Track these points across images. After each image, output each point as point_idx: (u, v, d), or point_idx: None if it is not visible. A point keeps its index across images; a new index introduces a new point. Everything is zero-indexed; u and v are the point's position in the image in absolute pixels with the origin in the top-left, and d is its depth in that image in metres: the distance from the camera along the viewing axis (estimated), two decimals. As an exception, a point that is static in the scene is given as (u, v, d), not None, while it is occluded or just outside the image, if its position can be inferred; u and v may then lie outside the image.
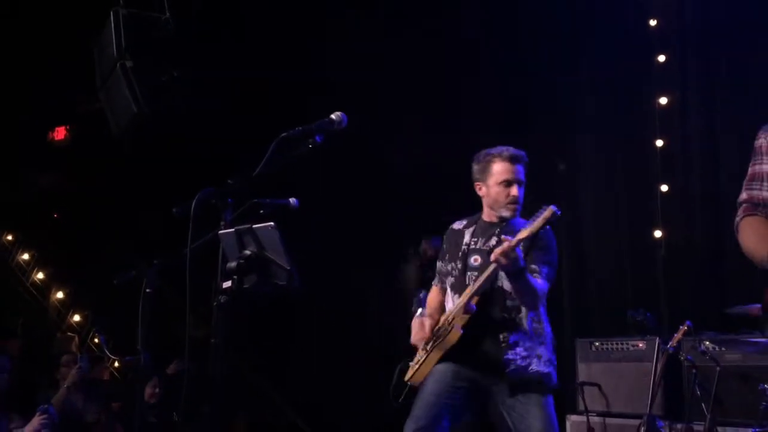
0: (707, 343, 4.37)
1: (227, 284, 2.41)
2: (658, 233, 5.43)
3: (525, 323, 3.20)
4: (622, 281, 5.60)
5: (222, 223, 2.51)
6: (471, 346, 3.15)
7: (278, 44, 6.68)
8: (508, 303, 3.20)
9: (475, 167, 3.41)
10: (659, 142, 5.50)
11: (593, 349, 4.93)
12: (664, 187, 5.45)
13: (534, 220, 2.96)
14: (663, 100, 5.51)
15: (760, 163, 2.39)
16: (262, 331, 6.70)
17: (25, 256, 8.47)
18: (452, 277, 3.33)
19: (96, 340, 6.96)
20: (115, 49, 4.80)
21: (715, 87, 5.41)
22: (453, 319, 3.18)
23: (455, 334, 3.12)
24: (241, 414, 6.66)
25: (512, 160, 3.33)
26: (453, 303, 3.28)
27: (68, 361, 5.62)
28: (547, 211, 2.93)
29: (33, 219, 8.43)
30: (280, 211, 2.87)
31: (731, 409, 4.23)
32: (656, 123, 5.52)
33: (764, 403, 3.90)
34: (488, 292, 3.19)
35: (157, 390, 5.63)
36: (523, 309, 3.22)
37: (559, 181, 5.98)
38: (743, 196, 2.39)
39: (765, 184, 2.36)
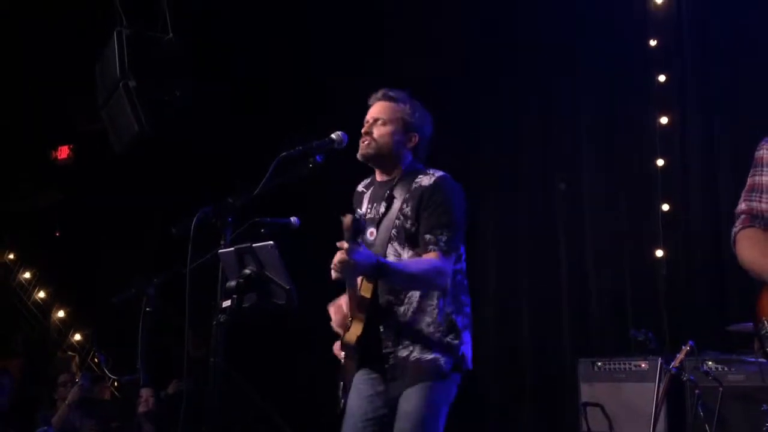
0: (710, 363, 4.35)
1: (227, 303, 2.41)
2: (659, 252, 5.42)
3: (417, 305, 2.70)
4: (624, 301, 5.58)
5: (222, 242, 2.51)
6: (367, 345, 2.71)
7: (282, 59, 6.73)
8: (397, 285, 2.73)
9: None
10: (660, 162, 5.50)
11: (595, 369, 4.90)
12: (665, 207, 5.45)
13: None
14: (664, 120, 5.52)
15: (760, 174, 2.38)
16: (263, 349, 6.67)
17: (27, 275, 8.47)
18: None
19: (96, 360, 6.94)
20: (117, 69, 4.84)
21: (715, 106, 5.42)
22: (351, 320, 2.73)
23: (351, 337, 2.69)
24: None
25: (369, 102, 2.89)
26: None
27: (66, 380, 5.61)
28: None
29: (35, 238, 8.44)
30: (282, 230, 2.87)
31: (734, 430, 4.20)
32: (657, 142, 5.52)
33: (767, 424, 3.87)
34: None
35: (149, 402, 5.59)
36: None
37: (559, 200, 5.98)
38: (741, 206, 2.38)
39: (765, 195, 2.35)
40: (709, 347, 4.52)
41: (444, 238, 2.63)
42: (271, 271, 2.43)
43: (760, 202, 2.35)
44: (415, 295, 2.70)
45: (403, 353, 2.69)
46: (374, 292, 2.67)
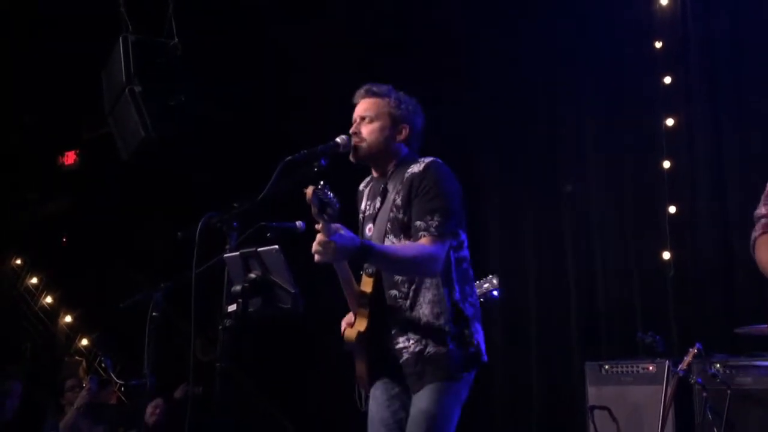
0: (718, 365, 4.33)
1: (232, 308, 2.41)
2: (666, 255, 5.40)
3: (422, 297, 2.63)
4: (631, 303, 5.56)
5: (227, 246, 2.51)
6: (376, 341, 2.64)
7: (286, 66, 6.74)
8: (396, 277, 2.66)
9: None
10: (666, 164, 5.49)
11: (603, 372, 4.88)
12: (672, 209, 5.43)
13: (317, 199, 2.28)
14: (670, 122, 5.51)
15: None
16: (271, 354, 6.68)
17: (34, 281, 8.49)
18: None
19: (102, 365, 6.95)
20: (123, 75, 4.85)
21: (721, 107, 5.41)
22: (354, 318, 2.68)
23: (351, 333, 2.63)
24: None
25: (354, 101, 2.82)
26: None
27: (73, 385, 5.61)
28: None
29: (42, 243, 8.46)
30: (287, 234, 2.87)
31: (743, 433, 4.18)
32: (663, 144, 5.51)
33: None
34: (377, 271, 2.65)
35: (158, 410, 5.59)
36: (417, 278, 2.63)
37: (566, 202, 5.97)
38: (762, 210, 2.35)
39: None
40: (717, 350, 4.51)
41: (435, 223, 2.53)
42: (276, 275, 2.43)
43: None
44: (420, 286, 2.61)
45: (416, 348, 2.59)
46: (375, 286, 2.61)
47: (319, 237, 2.33)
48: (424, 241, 2.53)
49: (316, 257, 2.36)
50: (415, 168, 2.66)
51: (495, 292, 3.96)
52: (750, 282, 4.87)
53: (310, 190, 2.27)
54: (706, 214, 5.36)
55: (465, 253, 2.71)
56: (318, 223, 2.32)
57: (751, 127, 5.26)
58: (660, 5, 5.60)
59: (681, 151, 5.48)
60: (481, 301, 4.14)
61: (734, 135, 5.33)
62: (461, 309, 2.64)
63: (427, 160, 2.69)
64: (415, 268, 2.55)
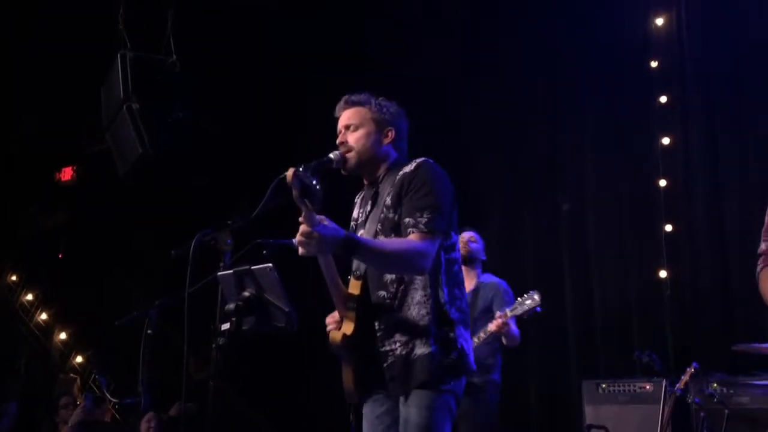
0: (715, 385, 4.31)
1: (226, 326, 2.39)
2: (663, 273, 5.40)
3: (410, 298, 2.55)
4: (629, 322, 5.55)
5: (221, 264, 2.50)
6: (361, 344, 2.54)
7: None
8: (386, 277, 2.57)
9: None
10: (662, 182, 5.50)
11: (600, 391, 4.86)
12: (669, 227, 5.44)
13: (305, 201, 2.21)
14: (666, 140, 5.53)
15: None
16: (264, 370, 6.64)
17: (29, 297, 8.46)
18: None
19: (97, 383, 6.92)
20: (121, 91, 4.86)
21: (717, 125, 5.43)
22: (341, 320, 2.60)
23: (336, 336, 2.55)
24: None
25: (336, 114, 2.79)
26: None
27: (67, 403, 5.59)
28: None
29: (38, 258, 8.45)
30: (284, 250, 2.86)
31: (741, 453, 4.16)
32: (659, 163, 5.52)
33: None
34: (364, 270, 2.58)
35: (152, 424, 5.56)
36: (407, 277, 2.54)
37: (563, 221, 5.97)
38: (762, 247, 2.36)
39: None
40: (714, 369, 4.49)
41: (424, 220, 2.46)
42: (270, 293, 2.41)
43: None
44: (409, 287, 2.54)
45: (402, 351, 2.51)
46: (363, 289, 2.55)
47: (302, 228, 2.25)
48: (413, 237, 2.46)
49: (300, 250, 2.29)
50: (407, 168, 2.62)
51: (539, 309, 4.07)
52: (747, 300, 4.86)
53: (290, 172, 2.20)
54: (703, 233, 5.36)
55: (456, 255, 2.65)
56: (300, 210, 2.23)
57: (747, 146, 5.28)
58: (656, 25, 5.64)
59: (677, 169, 5.50)
60: (524, 318, 4.17)
61: (730, 153, 5.35)
62: (446, 311, 2.56)
63: (419, 159, 2.65)
64: (403, 263, 2.47)
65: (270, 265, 2.40)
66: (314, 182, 2.19)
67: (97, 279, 7.69)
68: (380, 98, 2.76)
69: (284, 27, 6.41)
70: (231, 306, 2.39)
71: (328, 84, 6.44)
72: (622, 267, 5.65)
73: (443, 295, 2.56)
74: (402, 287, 2.55)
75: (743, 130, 5.29)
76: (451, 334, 2.54)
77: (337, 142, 2.69)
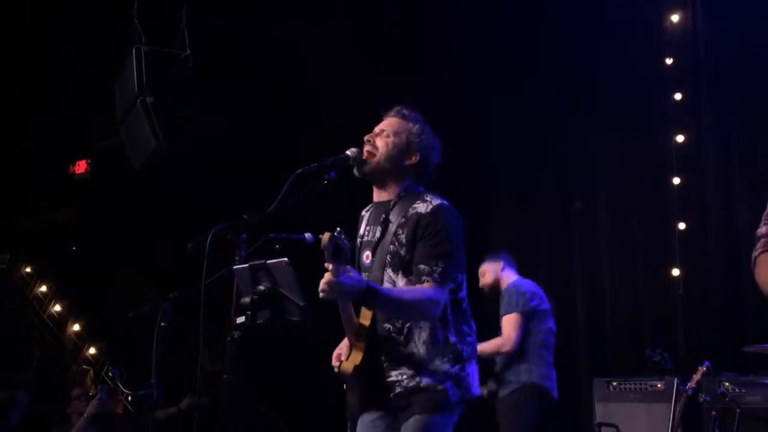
0: (727, 384, 4.30)
1: (241, 320, 2.41)
2: (676, 272, 5.38)
3: (416, 335, 2.63)
4: (640, 320, 5.54)
5: (236, 258, 2.51)
6: (369, 374, 2.63)
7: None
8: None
9: None
10: (676, 180, 5.48)
11: (611, 389, 4.86)
12: (682, 225, 5.42)
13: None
14: (680, 138, 5.51)
15: None
16: (276, 365, 6.67)
17: (43, 288, 8.52)
18: None
19: (110, 374, 6.96)
20: (136, 86, 4.88)
21: (731, 124, 5.40)
22: (350, 349, 2.67)
23: (348, 366, 2.63)
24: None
25: (383, 117, 2.86)
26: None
27: (79, 394, 5.63)
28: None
29: (52, 251, 8.50)
30: (296, 246, 2.87)
31: (752, 452, 4.15)
32: (673, 161, 5.50)
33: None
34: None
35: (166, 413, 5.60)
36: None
37: (575, 219, 5.96)
38: (762, 230, 2.36)
39: None
40: (726, 368, 4.47)
41: (439, 269, 2.55)
42: (285, 287, 2.43)
43: None
44: (414, 325, 2.62)
45: (410, 383, 2.60)
46: (373, 319, 2.61)
47: (327, 276, 2.36)
48: (427, 286, 2.55)
49: (321, 294, 2.38)
50: (422, 207, 2.65)
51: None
52: (759, 300, 4.83)
53: (326, 237, 2.31)
54: (716, 231, 5.34)
55: (463, 294, 2.72)
56: (328, 263, 2.35)
57: (760, 144, 5.25)
58: (671, 22, 5.61)
59: (691, 167, 5.47)
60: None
61: (744, 152, 5.32)
62: (459, 350, 2.65)
63: (436, 201, 2.67)
64: (417, 312, 2.58)
65: (285, 259, 2.42)
66: (346, 242, 2.34)
67: (110, 271, 7.74)
68: (428, 127, 2.80)
69: (299, 25, 6.41)
70: (246, 300, 2.41)
71: (343, 83, 6.48)
72: (634, 265, 5.64)
73: (452, 335, 2.64)
74: (407, 324, 2.63)
75: (758, 128, 5.26)
76: (462, 373, 2.64)
77: (366, 137, 2.75)
